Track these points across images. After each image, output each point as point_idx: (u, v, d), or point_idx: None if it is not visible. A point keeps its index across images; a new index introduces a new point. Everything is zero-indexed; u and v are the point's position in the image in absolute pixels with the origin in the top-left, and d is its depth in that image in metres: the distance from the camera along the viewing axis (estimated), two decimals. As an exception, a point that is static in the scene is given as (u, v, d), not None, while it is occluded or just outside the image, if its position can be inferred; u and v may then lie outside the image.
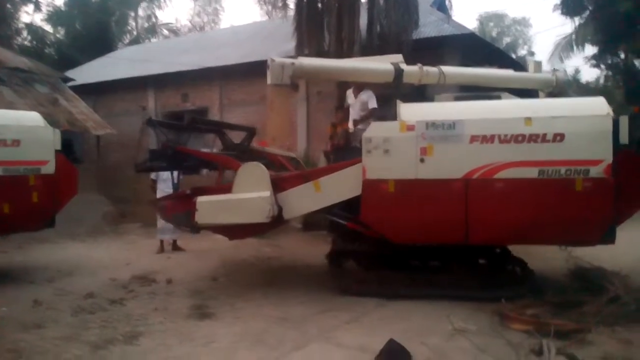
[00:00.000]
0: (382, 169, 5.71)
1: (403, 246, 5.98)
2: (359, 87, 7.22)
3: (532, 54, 35.90)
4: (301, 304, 5.95)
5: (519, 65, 13.56)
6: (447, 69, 7.20)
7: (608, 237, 5.48)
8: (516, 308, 5.13)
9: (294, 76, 6.47)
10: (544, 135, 5.37)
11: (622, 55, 17.15)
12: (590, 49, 18.39)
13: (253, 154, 6.88)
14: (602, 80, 22.71)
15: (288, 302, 6.02)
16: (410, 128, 5.63)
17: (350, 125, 7.33)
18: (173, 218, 6.98)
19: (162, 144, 6.46)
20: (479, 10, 49.22)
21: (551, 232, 5.52)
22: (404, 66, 6.74)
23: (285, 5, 13.21)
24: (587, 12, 16.92)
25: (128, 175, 11.37)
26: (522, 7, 67.51)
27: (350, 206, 5.95)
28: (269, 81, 6.39)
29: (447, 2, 14.39)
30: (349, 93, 7.39)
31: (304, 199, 6.09)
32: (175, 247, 9.55)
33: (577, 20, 17.85)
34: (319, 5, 11.73)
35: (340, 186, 5.95)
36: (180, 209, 6.41)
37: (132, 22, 34.70)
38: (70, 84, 16.34)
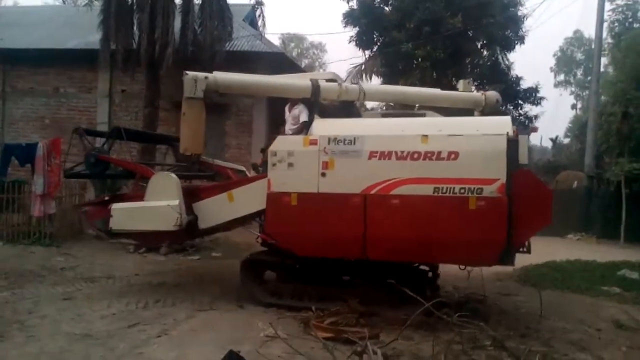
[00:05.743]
0: (285, 182, 5.77)
1: (315, 259, 6.03)
2: (294, 103, 7.09)
3: (327, 77, 38.93)
4: (104, 318, 5.62)
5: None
6: (368, 86, 7.41)
7: (506, 259, 5.45)
8: (320, 317, 5.47)
9: (208, 90, 6.41)
10: (439, 153, 5.37)
11: (401, 88, 19.68)
12: (377, 80, 20.79)
13: (201, 166, 7.05)
14: (384, 108, 25.79)
15: (89, 317, 5.63)
16: (313, 142, 5.74)
17: None
18: (94, 223, 7.54)
19: (86, 152, 6.80)
20: (282, 29, 51.66)
21: (447, 251, 5.47)
22: (322, 82, 6.74)
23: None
24: (376, 47, 19.18)
25: None
26: (320, 33, 72.47)
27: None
28: (184, 94, 6.37)
29: (258, 20, 14.94)
30: (286, 109, 7.27)
31: (218, 209, 6.23)
32: (-63, 257, 8.06)
33: (367, 53, 20.08)
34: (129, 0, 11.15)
35: (251, 198, 6.02)
36: (99, 215, 6.99)
37: None
38: None
